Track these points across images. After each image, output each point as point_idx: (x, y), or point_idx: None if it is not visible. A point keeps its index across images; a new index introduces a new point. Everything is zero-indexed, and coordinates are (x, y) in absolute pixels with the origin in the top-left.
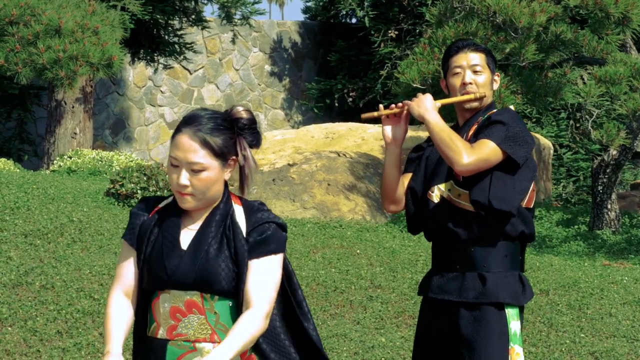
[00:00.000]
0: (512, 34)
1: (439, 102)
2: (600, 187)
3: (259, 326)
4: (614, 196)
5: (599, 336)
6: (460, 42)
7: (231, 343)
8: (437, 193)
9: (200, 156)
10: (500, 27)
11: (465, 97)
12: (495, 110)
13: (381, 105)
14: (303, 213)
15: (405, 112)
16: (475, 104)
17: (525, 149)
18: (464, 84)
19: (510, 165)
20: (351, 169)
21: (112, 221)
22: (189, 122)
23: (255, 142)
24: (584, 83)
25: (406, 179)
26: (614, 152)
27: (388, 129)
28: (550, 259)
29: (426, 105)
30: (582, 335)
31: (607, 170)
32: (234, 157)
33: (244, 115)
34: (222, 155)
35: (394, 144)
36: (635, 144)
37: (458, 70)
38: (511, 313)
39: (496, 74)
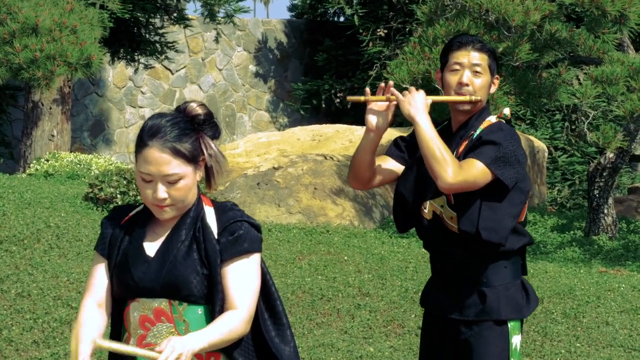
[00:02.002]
0: (505, 32)
1: (431, 99)
2: (596, 191)
3: (240, 328)
4: (610, 200)
5: (595, 346)
6: (465, 38)
7: (208, 332)
8: (429, 209)
9: (175, 166)
10: (493, 26)
11: (459, 98)
12: (488, 122)
13: (368, 90)
14: (289, 218)
15: (393, 103)
16: (467, 107)
17: (515, 170)
18: (460, 84)
19: (500, 187)
20: (338, 173)
21: (90, 227)
22: (153, 133)
23: (217, 135)
24: (580, 83)
25: (384, 160)
26: (611, 155)
27: (372, 116)
28: (545, 266)
29: (417, 105)
30: (578, 344)
31: (604, 174)
32: (202, 158)
33: (200, 110)
34: (194, 159)
35: (374, 132)
36: (632, 147)
37: (457, 67)
38: (513, 327)
39: (496, 76)
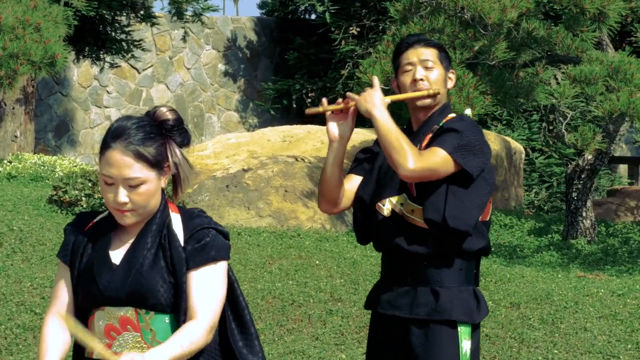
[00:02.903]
0: (482, 30)
1: (389, 98)
2: (574, 194)
3: (201, 338)
4: (589, 203)
5: (574, 352)
6: (411, 38)
7: (169, 347)
8: (388, 206)
9: (137, 170)
10: (468, 24)
11: (417, 93)
12: (450, 117)
13: (325, 100)
14: (258, 221)
15: (352, 108)
16: (427, 101)
17: (480, 159)
18: (414, 81)
19: (465, 177)
20: (310, 175)
21: (54, 230)
22: (117, 135)
23: (186, 142)
24: (558, 83)
25: (349, 180)
26: (589, 157)
27: (333, 126)
28: (522, 270)
29: (374, 101)
30: (556, 351)
31: (582, 176)
32: (168, 164)
33: (170, 116)
34: (158, 164)
35: (338, 142)
36: (611, 148)
37: (409, 67)
38: (463, 331)
39: (451, 71)
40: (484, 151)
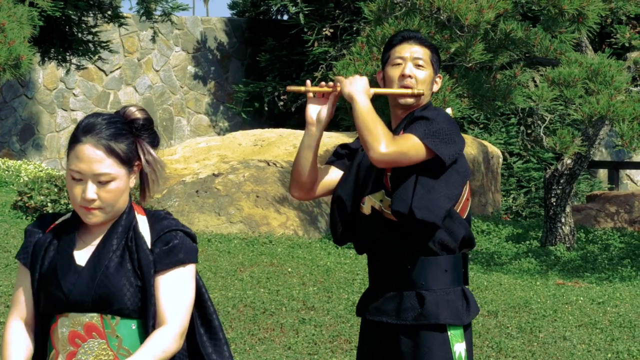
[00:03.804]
0: (458, 32)
1: (374, 90)
2: (553, 199)
3: (173, 345)
4: (568, 209)
5: None
6: (406, 32)
7: (140, 357)
8: (367, 204)
9: (107, 165)
10: (444, 25)
11: (402, 91)
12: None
13: (308, 81)
14: (229, 228)
15: (336, 91)
16: (410, 101)
17: (452, 148)
18: (402, 76)
19: (437, 165)
20: (282, 180)
21: (19, 237)
22: (87, 130)
23: (155, 143)
24: (536, 86)
25: (328, 171)
26: (569, 161)
27: (313, 109)
28: (499, 278)
29: (358, 86)
30: None
31: (561, 181)
32: (138, 162)
33: (140, 115)
34: (129, 161)
35: (316, 126)
36: (591, 152)
37: (399, 61)
38: (454, 334)
39: (438, 75)
40: (456, 141)
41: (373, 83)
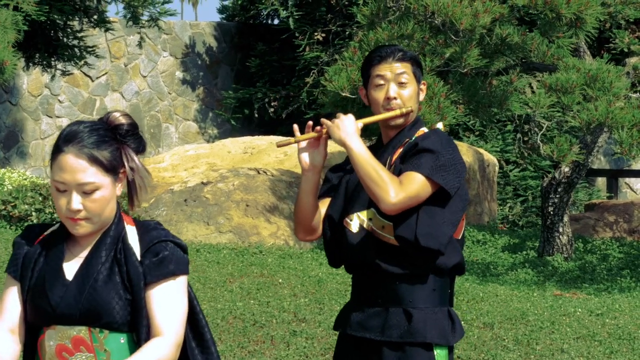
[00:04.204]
0: (453, 36)
1: (361, 122)
2: (550, 208)
3: (168, 355)
4: (566, 218)
5: None
6: (384, 50)
7: None
8: (356, 222)
9: (91, 174)
10: (439, 29)
11: (391, 114)
12: (422, 131)
13: (296, 127)
14: (218, 237)
15: (324, 135)
16: (400, 120)
17: (457, 178)
18: (388, 99)
19: (441, 196)
20: (272, 188)
21: (3, 247)
22: (69, 139)
23: (141, 149)
24: (533, 92)
25: (323, 204)
26: (566, 169)
27: (305, 155)
28: (495, 289)
29: (347, 129)
30: None
31: (559, 190)
32: (123, 170)
33: (124, 120)
34: (113, 169)
35: (312, 171)
36: (589, 160)
37: (381, 82)
38: (440, 354)
39: (422, 82)
40: (459, 169)
41: (358, 99)
